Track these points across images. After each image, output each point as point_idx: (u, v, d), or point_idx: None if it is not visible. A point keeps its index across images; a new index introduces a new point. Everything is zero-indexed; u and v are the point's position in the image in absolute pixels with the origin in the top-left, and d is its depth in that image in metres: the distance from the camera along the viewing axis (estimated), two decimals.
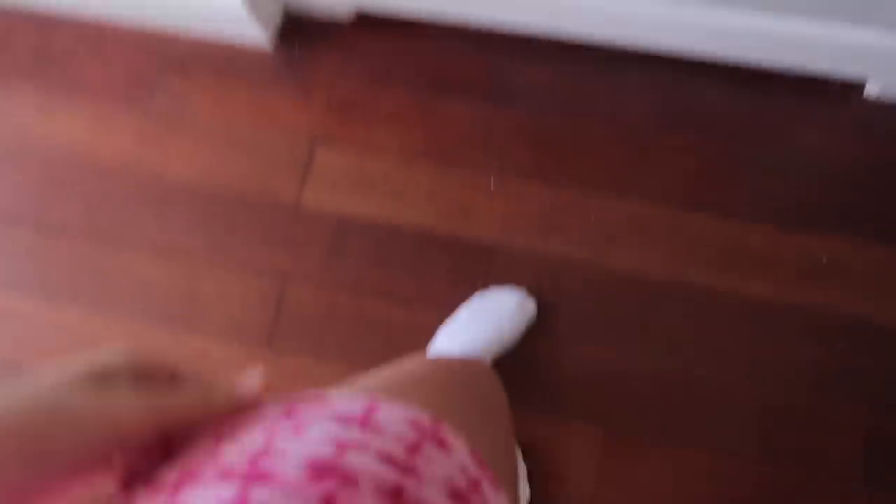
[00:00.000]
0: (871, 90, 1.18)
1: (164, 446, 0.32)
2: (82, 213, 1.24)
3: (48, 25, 1.35)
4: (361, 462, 0.28)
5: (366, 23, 1.29)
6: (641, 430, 1.07)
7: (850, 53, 1.10)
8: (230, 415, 0.33)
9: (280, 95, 1.28)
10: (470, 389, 0.69)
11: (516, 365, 1.10)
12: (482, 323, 1.06)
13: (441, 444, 0.32)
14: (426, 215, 1.19)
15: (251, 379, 0.36)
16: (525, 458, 1.06)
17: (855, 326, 1.09)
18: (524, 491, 1.03)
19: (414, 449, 0.31)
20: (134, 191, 1.24)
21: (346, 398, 0.34)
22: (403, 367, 0.55)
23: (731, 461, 1.05)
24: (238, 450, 0.29)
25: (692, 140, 1.20)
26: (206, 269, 1.20)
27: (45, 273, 1.22)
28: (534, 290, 1.12)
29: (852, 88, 1.19)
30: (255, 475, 0.26)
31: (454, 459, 0.32)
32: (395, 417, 0.33)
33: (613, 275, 1.14)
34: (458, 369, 0.77)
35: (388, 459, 0.30)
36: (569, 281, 1.14)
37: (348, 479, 0.27)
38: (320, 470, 0.27)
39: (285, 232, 1.20)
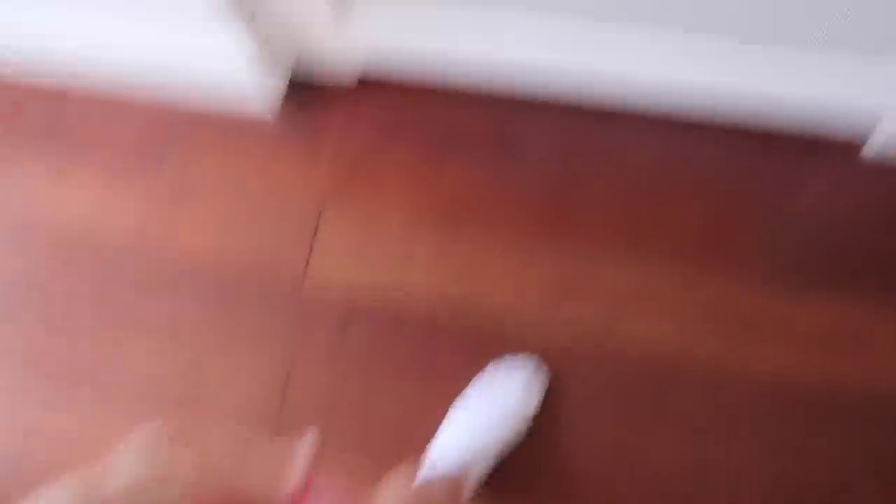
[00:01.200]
0: (871, 150, 1.14)
1: None
2: (88, 300, 1.24)
3: (59, 97, 1.36)
4: None
5: (369, 86, 1.28)
6: None
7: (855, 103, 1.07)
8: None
9: (286, 162, 1.27)
10: None
11: (524, 447, 1.07)
12: (488, 415, 1.03)
13: None
14: (435, 281, 1.17)
15: (302, 448, 0.28)
16: None
17: (879, 403, 1.05)
18: None
19: None
20: (141, 271, 1.24)
21: None
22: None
23: None
24: None
25: (695, 201, 1.17)
26: (213, 355, 1.19)
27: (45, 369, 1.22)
28: (544, 362, 1.10)
29: (852, 149, 1.15)
30: None
31: None
32: None
33: (626, 347, 1.10)
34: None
35: None
36: (580, 355, 1.10)
37: None
38: None
39: (293, 308, 1.19)
